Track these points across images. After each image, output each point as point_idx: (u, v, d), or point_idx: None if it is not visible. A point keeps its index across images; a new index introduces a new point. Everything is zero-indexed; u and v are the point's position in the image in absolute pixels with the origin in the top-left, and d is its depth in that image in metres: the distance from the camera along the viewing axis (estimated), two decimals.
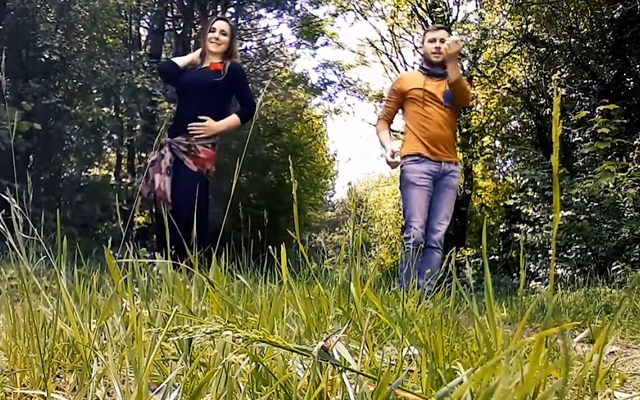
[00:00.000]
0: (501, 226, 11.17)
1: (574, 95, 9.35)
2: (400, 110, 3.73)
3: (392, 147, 3.59)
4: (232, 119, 3.31)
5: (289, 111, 15.78)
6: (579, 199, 6.20)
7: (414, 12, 13.73)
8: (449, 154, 3.51)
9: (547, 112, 10.23)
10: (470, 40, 12.25)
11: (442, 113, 3.49)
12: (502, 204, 12.70)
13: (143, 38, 11.84)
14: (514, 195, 8.93)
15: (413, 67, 14.47)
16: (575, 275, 4.92)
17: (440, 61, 3.52)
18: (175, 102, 3.58)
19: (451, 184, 3.51)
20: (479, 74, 12.06)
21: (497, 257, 10.44)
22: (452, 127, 3.58)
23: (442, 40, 3.52)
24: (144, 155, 9.98)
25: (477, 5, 12.90)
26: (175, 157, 3.18)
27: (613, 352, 1.72)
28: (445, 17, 12.71)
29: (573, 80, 9.45)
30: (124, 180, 9.91)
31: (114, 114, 9.37)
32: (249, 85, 3.70)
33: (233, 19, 13.73)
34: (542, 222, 7.00)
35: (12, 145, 1.33)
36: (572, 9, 9.33)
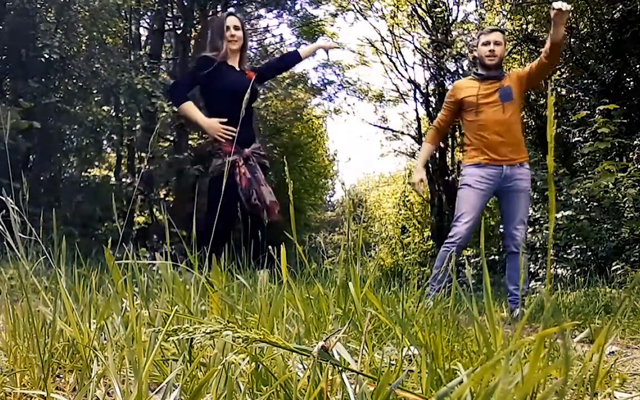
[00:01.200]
0: (501, 226, 11.16)
1: (574, 95, 9.34)
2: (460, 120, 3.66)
3: (422, 175, 3.57)
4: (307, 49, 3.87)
5: (289, 111, 15.78)
6: (579, 199, 6.20)
7: (414, 12, 13.73)
8: (511, 157, 3.37)
9: (547, 113, 10.21)
10: (470, 41, 12.24)
11: (500, 116, 3.36)
12: None
13: (143, 38, 11.83)
14: None
15: (413, 67, 14.48)
16: (575, 275, 4.93)
17: (496, 63, 3.42)
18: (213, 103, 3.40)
19: (519, 187, 3.35)
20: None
21: (497, 257, 10.43)
22: (513, 127, 3.39)
23: (497, 43, 3.42)
24: (143, 155, 9.98)
25: (477, 6, 12.90)
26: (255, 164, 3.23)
27: (613, 352, 1.72)
28: (445, 17, 12.72)
29: (573, 80, 9.45)
30: (124, 180, 9.91)
31: (113, 114, 9.36)
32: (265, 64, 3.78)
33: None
34: (542, 222, 7.00)
35: (6, 144, 1.33)
36: (572, 9, 9.32)
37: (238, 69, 3.41)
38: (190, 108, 3.34)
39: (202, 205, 3.94)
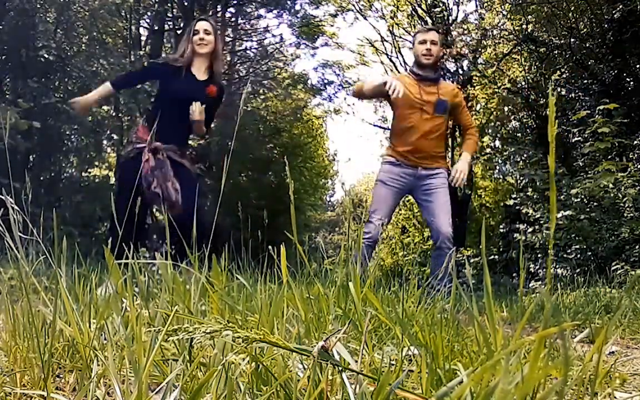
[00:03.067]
0: (501, 226, 11.17)
1: (574, 95, 9.35)
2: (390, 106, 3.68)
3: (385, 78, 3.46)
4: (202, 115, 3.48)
5: (289, 111, 15.77)
6: (579, 199, 6.20)
7: (413, 13, 13.73)
8: (428, 163, 3.46)
9: (547, 112, 10.20)
10: (470, 41, 12.26)
11: (429, 122, 3.43)
12: (502, 204, 12.71)
13: (143, 38, 11.83)
14: (514, 195, 8.93)
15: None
16: (575, 275, 4.93)
17: (432, 63, 3.46)
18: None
19: (435, 184, 3.44)
20: (479, 74, 12.06)
21: (497, 257, 10.44)
22: (438, 135, 3.50)
23: (433, 42, 3.45)
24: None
25: (476, 6, 12.91)
26: (170, 162, 3.26)
27: (613, 352, 1.72)
28: (445, 17, 12.72)
29: (573, 80, 9.45)
30: None
31: (113, 114, 9.36)
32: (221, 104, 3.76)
33: (233, 19, 13.74)
34: (542, 222, 7.00)
35: (5, 144, 1.33)
36: (572, 9, 9.33)
37: (201, 76, 3.39)
38: (100, 87, 3.55)
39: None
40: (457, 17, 13.13)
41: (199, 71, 3.40)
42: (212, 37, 3.37)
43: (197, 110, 3.26)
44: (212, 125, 3.75)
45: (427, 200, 3.44)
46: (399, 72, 15.03)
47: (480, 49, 12.11)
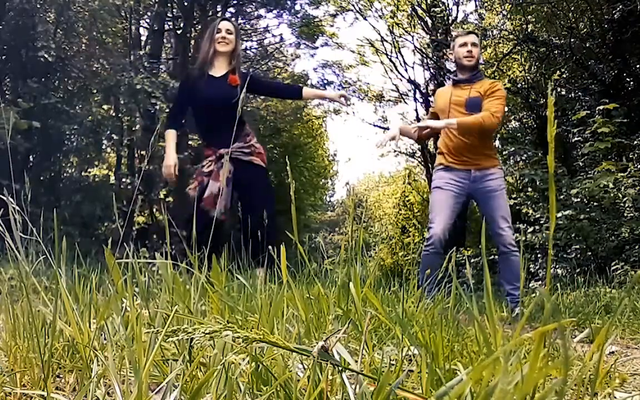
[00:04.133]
0: None
1: (574, 95, 9.35)
2: None
3: (396, 131, 3.43)
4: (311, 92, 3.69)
5: (289, 111, 15.77)
6: (579, 199, 6.20)
7: (413, 12, 13.73)
8: (477, 162, 3.39)
9: (547, 112, 10.20)
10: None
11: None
12: None
13: (143, 38, 11.82)
14: (514, 195, 8.92)
15: (413, 67, 14.48)
16: (575, 275, 4.93)
17: (474, 64, 3.47)
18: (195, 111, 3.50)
19: (491, 186, 3.37)
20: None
21: (497, 257, 10.43)
22: (479, 134, 3.38)
23: (474, 44, 3.48)
24: (143, 153, 9.97)
25: (476, 6, 12.91)
26: (236, 165, 3.25)
27: (613, 352, 1.72)
28: (445, 17, 12.72)
29: (573, 80, 9.45)
30: (123, 180, 9.91)
31: (113, 114, 9.36)
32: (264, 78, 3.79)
33: (233, 18, 13.72)
34: (542, 222, 7.00)
35: (8, 144, 1.33)
36: (572, 9, 9.33)
37: (222, 73, 3.38)
38: (167, 137, 3.43)
39: (201, 205, 3.96)
40: (457, 17, 13.13)
41: (219, 70, 3.39)
42: (233, 36, 3.39)
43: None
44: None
45: (487, 204, 3.38)
46: (398, 72, 15.03)
47: (480, 49, 12.11)
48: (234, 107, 3.28)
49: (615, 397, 0.93)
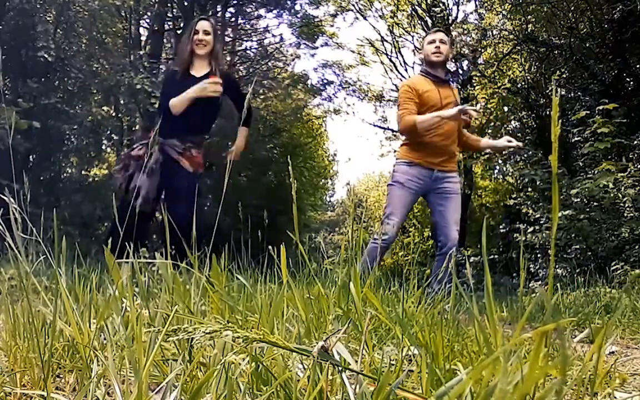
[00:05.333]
0: (501, 226, 11.17)
1: (573, 95, 9.35)
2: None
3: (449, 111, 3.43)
4: (245, 132, 3.54)
5: (289, 111, 15.76)
6: (579, 199, 6.20)
7: (413, 13, 13.74)
8: (442, 164, 3.44)
9: (547, 112, 10.23)
10: (470, 41, 12.25)
11: (454, 123, 3.42)
12: (502, 204, 12.71)
13: (143, 38, 11.82)
14: (514, 195, 8.93)
15: (413, 67, 14.46)
16: (575, 275, 4.93)
17: (442, 61, 3.50)
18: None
19: (450, 188, 3.44)
20: (479, 74, 12.06)
21: (496, 257, 10.44)
22: (454, 138, 3.50)
23: (442, 41, 3.50)
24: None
25: (476, 6, 12.91)
26: (165, 158, 3.22)
27: (613, 352, 1.72)
28: (445, 17, 12.72)
29: (573, 80, 9.45)
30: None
31: (113, 114, 9.37)
32: (241, 88, 3.74)
33: (233, 19, 13.74)
34: (542, 222, 7.00)
35: (10, 145, 1.33)
36: (572, 9, 9.33)
37: (202, 74, 3.37)
38: (176, 98, 3.31)
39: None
40: (457, 17, 13.13)
41: (199, 71, 3.39)
42: (211, 37, 3.37)
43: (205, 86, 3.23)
44: (213, 125, 3.67)
45: (441, 205, 3.42)
46: (398, 72, 15.02)
47: (480, 49, 12.11)
48: (206, 107, 3.28)
49: (615, 397, 0.93)
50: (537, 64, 10.70)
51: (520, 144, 3.61)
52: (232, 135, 3.85)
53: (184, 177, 3.27)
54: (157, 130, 2.91)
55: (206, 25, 3.40)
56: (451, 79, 3.57)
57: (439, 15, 12.55)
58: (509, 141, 3.57)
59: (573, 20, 9.36)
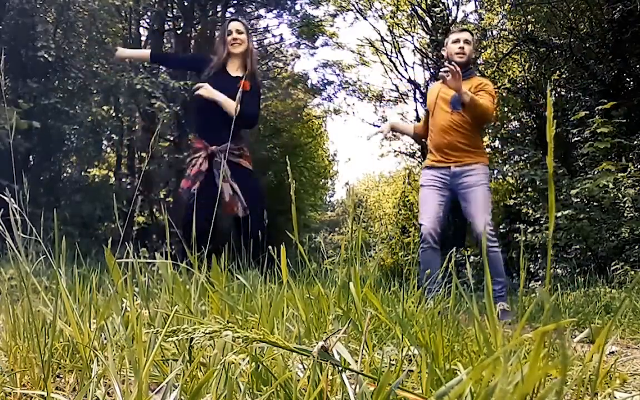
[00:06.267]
0: (501, 226, 11.17)
1: (573, 95, 9.34)
2: None
3: (389, 125, 3.77)
4: (230, 104, 3.41)
5: (289, 111, 15.76)
6: (578, 199, 6.20)
7: (413, 13, 13.73)
8: (458, 159, 3.40)
9: (547, 113, 10.20)
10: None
11: (450, 117, 3.41)
12: (502, 204, 12.69)
13: (143, 38, 11.82)
14: (514, 195, 8.92)
15: (413, 67, 14.47)
16: (575, 275, 4.93)
17: (465, 61, 3.46)
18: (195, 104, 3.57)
19: (468, 182, 3.37)
20: (478, 74, 12.05)
21: None
22: (462, 131, 3.41)
23: (467, 41, 3.49)
24: (143, 155, 9.97)
25: (476, 6, 12.91)
26: (227, 163, 3.29)
27: (613, 352, 1.72)
28: (445, 17, 12.71)
29: (573, 80, 9.45)
30: (123, 180, 9.91)
31: (113, 114, 9.36)
32: (259, 100, 3.78)
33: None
34: (542, 222, 7.00)
35: (11, 145, 1.33)
36: (572, 9, 9.33)
37: (235, 74, 3.45)
38: (138, 50, 3.50)
39: (201, 206, 4.01)
40: (456, 17, 13.12)
41: (233, 70, 3.47)
42: (244, 36, 3.46)
43: (204, 91, 3.28)
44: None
45: (465, 201, 3.40)
46: (398, 72, 15.03)
47: (480, 49, 12.10)
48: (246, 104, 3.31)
49: (615, 397, 0.93)
50: (537, 64, 10.70)
51: (452, 67, 3.27)
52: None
53: (249, 177, 3.42)
54: (205, 136, 3.01)
55: (238, 25, 3.50)
56: (465, 74, 3.44)
57: (439, 15, 12.55)
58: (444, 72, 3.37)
59: (573, 20, 9.36)
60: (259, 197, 3.42)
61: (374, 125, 16.97)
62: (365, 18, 14.61)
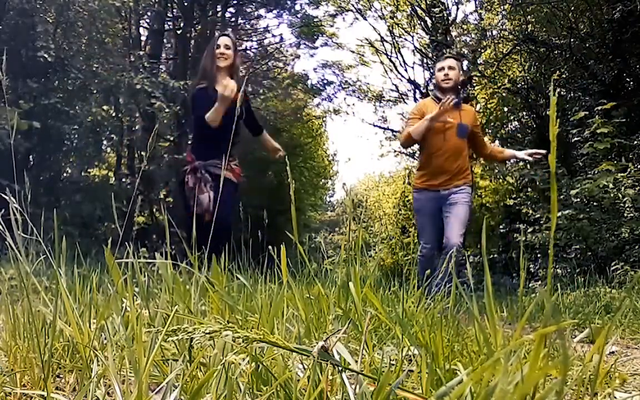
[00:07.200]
0: (501, 226, 11.17)
1: (573, 95, 9.34)
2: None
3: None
4: (267, 135, 3.92)
5: (289, 111, 15.76)
6: (579, 199, 6.19)
7: (413, 13, 13.73)
8: (447, 184, 3.65)
9: (547, 112, 10.21)
10: (470, 41, 12.25)
11: (452, 145, 3.63)
12: (502, 204, 12.69)
13: (143, 38, 11.81)
14: (514, 195, 8.92)
15: (413, 67, 14.48)
16: (575, 275, 4.92)
17: (451, 87, 3.68)
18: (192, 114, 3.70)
19: (456, 199, 3.61)
20: (478, 74, 12.06)
21: (496, 257, 10.43)
22: (460, 157, 3.69)
23: (450, 67, 3.71)
24: (143, 155, 9.96)
25: (476, 6, 12.90)
26: (212, 177, 3.44)
27: (613, 352, 1.72)
28: (445, 18, 12.72)
29: (573, 80, 9.44)
30: (123, 180, 9.91)
31: (113, 114, 9.36)
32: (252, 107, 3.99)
33: (233, 19, 13.73)
34: (542, 222, 7.00)
35: (11, 145, 1.33)
36: (572, 9, 9.32)
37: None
38: (210, 112, 3.46)
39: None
40: (456, 17, 13.13)
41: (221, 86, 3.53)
42: (231, 51, 3.55)
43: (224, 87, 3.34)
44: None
45: (447, 213, 3.62)
46: (398, 72, 15.03)
47: (480, 49, 12.10)
48: (230, 124, 3.37)
49: (615, 397, 0.93)
50: (536, 64, 10.69)
51: (544, 151, 3.72)
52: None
53: (229, 188, 3.48)
54: (197, 151, 3.07)
55: (227, 41, 3.58)
56: (461, 102, 3.73)
57: (439, 15, 12.55)
58: (532, 154, 3.78)
59: (573, 20, 9.35)
60: (227, 211, 3.47)
61: (375, 126, 16.99)
62: (365, 18, 14.62)
